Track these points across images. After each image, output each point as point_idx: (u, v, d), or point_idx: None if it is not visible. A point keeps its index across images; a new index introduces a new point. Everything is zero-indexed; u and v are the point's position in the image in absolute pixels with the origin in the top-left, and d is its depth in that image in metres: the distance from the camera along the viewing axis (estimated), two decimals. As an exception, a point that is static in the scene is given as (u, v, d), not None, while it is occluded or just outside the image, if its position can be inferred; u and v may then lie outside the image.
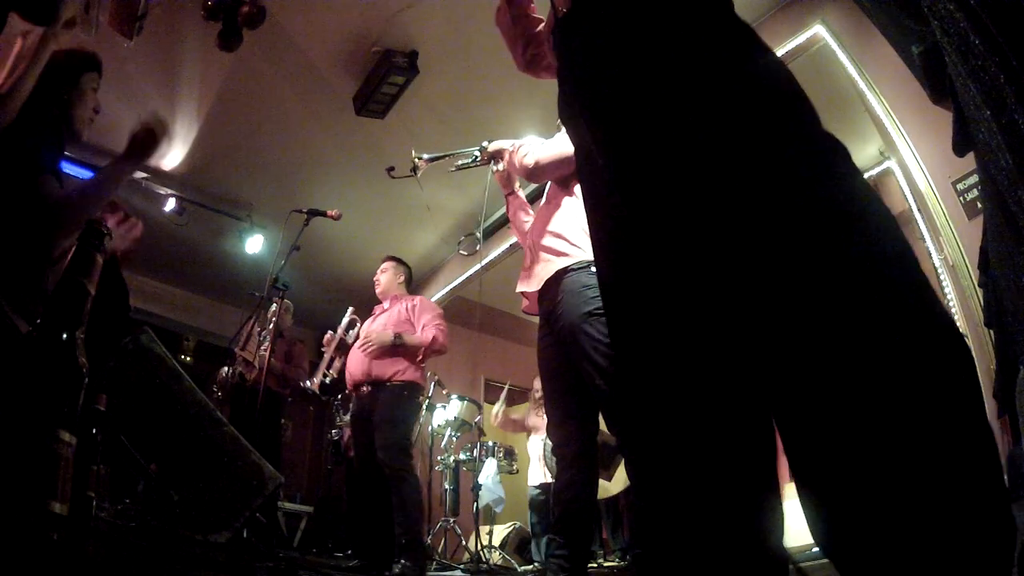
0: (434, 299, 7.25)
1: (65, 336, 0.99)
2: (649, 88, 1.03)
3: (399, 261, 4.59)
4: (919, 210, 3.66)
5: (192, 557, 1.42)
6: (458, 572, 4.67)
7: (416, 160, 3.15)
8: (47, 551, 0.78)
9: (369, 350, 4.03)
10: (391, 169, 3.49)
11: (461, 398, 5.60)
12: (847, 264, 0.87)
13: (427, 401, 5.67)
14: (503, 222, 5.14)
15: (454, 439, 5.71)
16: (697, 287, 1.02)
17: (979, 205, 3.07)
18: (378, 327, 4.21)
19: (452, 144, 3.15)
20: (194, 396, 1.80)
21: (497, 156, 3.02)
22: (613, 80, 1.08)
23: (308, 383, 4.74)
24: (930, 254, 3.78)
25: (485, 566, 4.80)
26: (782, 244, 0.89)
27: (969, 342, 3.49)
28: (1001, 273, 1.78)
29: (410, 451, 4.06)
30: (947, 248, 3.42)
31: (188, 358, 7.93)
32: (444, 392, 5.82)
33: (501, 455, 5.64)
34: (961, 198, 3.27)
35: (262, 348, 4.74)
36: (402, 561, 3.64)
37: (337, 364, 4.72)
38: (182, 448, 1.73)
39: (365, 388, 4.14)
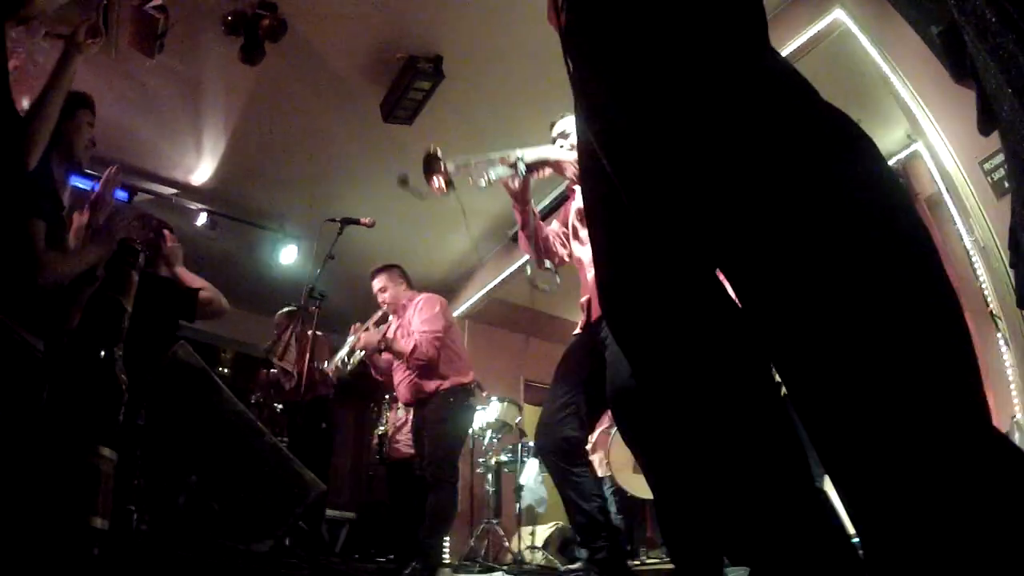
0: (470, 302, 7.27)
1: (103, 353, 1.00)
2: (643, 82, 1.02)
3: (387, 268, 4.53)
4: (948, 192, 3.60)
5: (233, 567, 1.45)
6: (500, 574, 4.68)
7: (442, 175, 3.09)
8: (88, 566, 0.79)
9: (365, 353, 4.20)
10: (405, 182, 3.47)
11: (501, 399, 5.62)
12: (857, 254, 0.85)
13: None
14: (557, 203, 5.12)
15: (495, 441, 5.74)
16: (700, 282, 1.03)
17: (1006, 184, 3.03)
18: (373, 332, 4.29)
19: (483, 147, 3.11)
20: (233, 407, 1.82)
21: (539, 166, 2.85)
22: (609, 74, 1.08)
23: (324, 365, 4.75)
24: (961, 237, 3.72)
25: (528, 567, 4.80)
26: (779, 236, 0.89)
27: (1002, 324, 3.45)
28: None
29: (456, 462, 4.06)
30: (978, 230, 3.36)
31: (226, 370, 8.03)
32: (484, 394, 5.82)
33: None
34: (989, 178, 3.22)
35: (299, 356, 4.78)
36: (414, 564, 3.66)
37: (359, 355, 4.69)
38: (222, 459, 1.76)
39: (415, 405, 4.21)
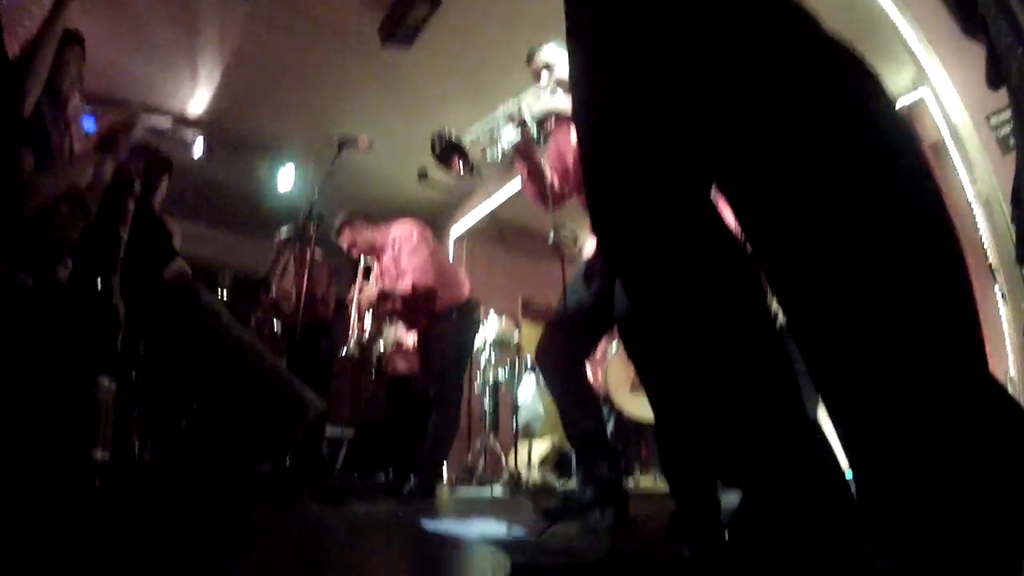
0: (467, 221, 7.22)
1: (100, 282, 0.98)
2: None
3: (346, 222, 4.46)
4: (953, 142, 3.62)
5: (235, 491, 1.46)
6: (497, 490, 4.79)
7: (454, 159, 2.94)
8: (90, 499, 0.79)
9: (365, 312, 4.26)
10: (424, 175, 3.38)
11: (499, 316, 5.62)
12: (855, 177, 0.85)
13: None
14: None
15: (493, 357, 5.76)
16: (696, 203, 1.02)
17: (1011, 141, 3.03)
18: (369, 289, 4.28)
19: (484, 70, 3.02)
20: (233, 330, 1.82)
21: (547, 119, 2.76)
22: None
23: (344, 353, 4.77)
24: (963, 187, 3.73)
25: (524, 484, 4.90)
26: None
27: (1000, 278, 3.48)
28: None
29: (461, 380, 4.14)
30: (980, 182, 3.37)
31: (224, 296, 8.05)
32: (481, 309, 5.85)
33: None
34: (995, 132, 3.23)
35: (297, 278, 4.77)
36: (413, 480, 3.72)
37: (368, 317, 4.75)
38: (223, 383, 1.76)
39: (412, 325, 4.27)
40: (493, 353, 5.69)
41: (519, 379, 5.56)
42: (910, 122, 0.88)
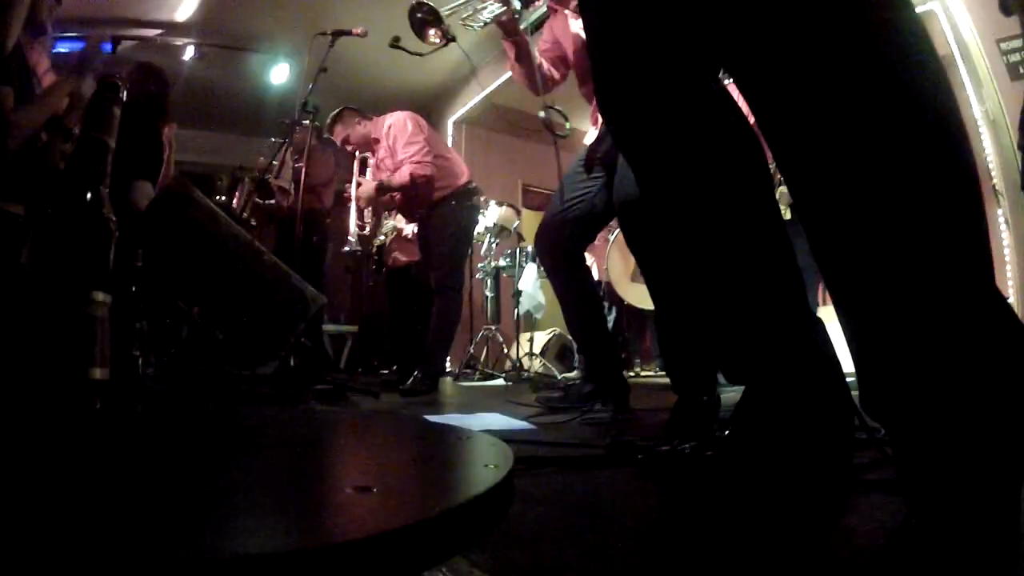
0: (467, 107, 7.07)
1: (89, 194, 0.95)
2: None
3: (337, 117, 4.39)
4: (962, 59, 3.58)
5: (241, 395, 1.48)
6: (500, 380, 4.89)
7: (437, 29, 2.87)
8: (91, 420, 0.78)
9: (364, 207, 4.16)
10: (397, 41, 3.27)
11: (499, 203, 5.55)
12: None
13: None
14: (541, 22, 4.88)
15: (493, 245, 5.75)
16: (705, 87, 0.99)
17: (1021, 70, 3.00)
18: (366, 183, 4.17)
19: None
20: (230, 230, 1.79)
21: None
22: None
23: (347, 248, 4.74)
24: (971, 105, 3.68)
25: (526, 374, 5.00)
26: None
27: (1003, 201, 3.47)
28: None
29: (462, 268, 4.14)
30: (989, 103, 3.32)
31: (223, 197, 8.03)
32: (482, 199, 5.80)
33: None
34: (1004, 58, 3.17)
35: (296, 166, 4.71)
36: (416, 374, 3.74)
37: (369, 211, 4.69)
38: (223, 286, 1.75)
39: (417, 217, 4.19)
40: (493, 242, 5.66)
41: (520, 268, 5.53)
42: (926, 33, 0.84)
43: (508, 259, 5.67)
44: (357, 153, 4.44)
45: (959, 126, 0.82)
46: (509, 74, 6.11)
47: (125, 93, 1.02)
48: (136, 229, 1.60)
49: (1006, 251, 3.83)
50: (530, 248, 5.55)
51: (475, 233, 5.49)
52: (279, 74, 6.02)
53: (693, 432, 1.92)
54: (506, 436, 1.92)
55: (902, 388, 0.79)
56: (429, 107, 7.63)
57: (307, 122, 4.16)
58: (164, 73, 3.02)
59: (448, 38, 2.91)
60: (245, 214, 5.14)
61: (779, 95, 0.87)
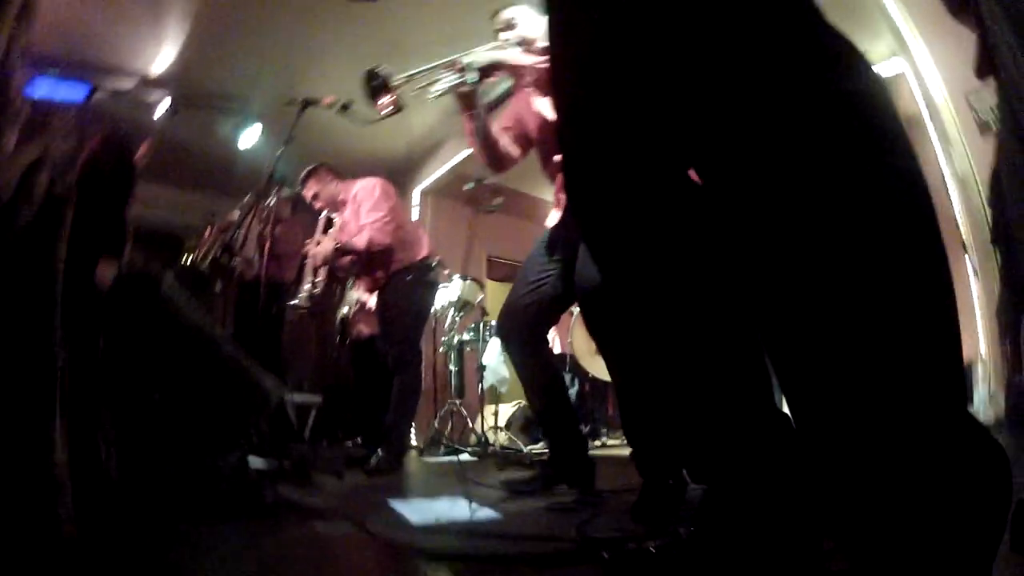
0: (433, 178, 7.12)
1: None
2: None
3: (311, 172, 4.38)
4: (930, 118, 3.64)
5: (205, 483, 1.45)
6: (465, 455, 4.82)
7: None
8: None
9: (319, 266, 4.08)
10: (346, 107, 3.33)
11: (463, 277, 5.54)
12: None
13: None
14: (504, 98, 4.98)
15: (457, 320, 5.71)
16: (676, 184, 0.99)
17: (993, 127, 3.07)
18: (325, 242, 4.15)
19: (453, 26, 2.94)
20: (191, 318, 1.77)
21: (491, 71, 2.63)
22: None
23: (296, 301, 4.68)
24: (939, 163, 3.72)
25: (492, 448, 4.94)
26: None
27: (975, 255, 3.53)
28: (1012, 198, 1.78)
29: (418, 342, 4.08)
30: (957, 160, 3.42)
31: (191, 257, 7.95)
32: (446, 272, 5.77)
33: None
34: (974, 112, 3.24)
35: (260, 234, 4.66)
36: (380, 452, 3.70)
37: (323, 273, 4.64)
38: (183, 374, 1.72)
39: (373, 287, 4.18)
40: (457, 316, 5.65)
41: (484, 342, 5.50)
42: (895, 115, 0.86)
43: (472, 333, 5.64)
44: (324, 212, 4.41)
45: (930, 228, 0.84)
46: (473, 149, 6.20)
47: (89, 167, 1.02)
48: (99, 311, 1.57)
49: (976, 302, 3.89)
50: (494, 322, 5.54)
51: (435, 308, 5.49)
52: (250, 137, 6.06)
53: (659, 518, 1.92)
54: (471, 529, 1.90)
55: (870, 504, 0.79)
56: (397, 175, 7.69)
57: (273, 196, 4.14)
58: (132, 147, 2.97)
59: (398, 108, 2.94)
60: (204, 265, 5.06)
61: (741, 200, 0.89)
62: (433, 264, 4.19)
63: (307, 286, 4.48)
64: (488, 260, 8.08)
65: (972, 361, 3.82)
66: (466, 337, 5.68)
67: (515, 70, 2.66)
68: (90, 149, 2.71)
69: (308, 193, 4.34)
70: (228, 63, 5.58)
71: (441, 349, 5.85)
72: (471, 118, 2.73)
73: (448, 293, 5.51)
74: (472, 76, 2.54)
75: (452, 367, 5.80)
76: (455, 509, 2.27)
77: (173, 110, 5.72)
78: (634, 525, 1.86)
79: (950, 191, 3.72)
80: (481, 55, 2.58)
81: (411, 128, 6.74)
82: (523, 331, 2.72)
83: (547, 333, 2.82)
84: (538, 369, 2.75)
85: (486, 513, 2.20)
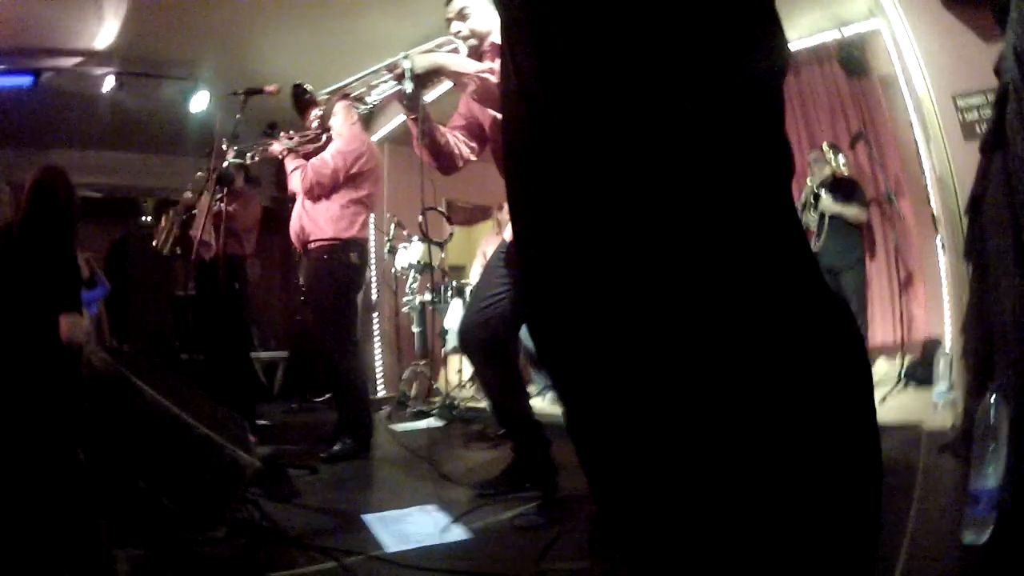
0: (389, 127, 7.02)
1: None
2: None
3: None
4: (903, 78, 3.57)
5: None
6: (432, 419, 4.98)
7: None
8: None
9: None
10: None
11: (422, 239, 5.51)
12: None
13: (388, 244, 5.70)
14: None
15: (417, 281, 5.75)
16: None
17: (978, 129, 3.00)
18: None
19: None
20: (158, 407, 1.83)
21: (431, 78, 2.53)
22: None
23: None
24: (911, 125, 3.73)
25: (457, 411, 5.10)
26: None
27: (943, 229, 3.53)
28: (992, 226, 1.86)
29: (347, 327, 3.92)
30: (937, 162, 3.38)
31: (149, 218, 7.87)
32: (405, 233, 5.80)
33: (466, 295, 5.41)
34: (960, 115, 3.16)
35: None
36: (345, 440, 3.74)
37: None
38: (161, 460, 1.81)
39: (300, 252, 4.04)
40: (416, 276, 5.68)
41: (445, 303, 5.58)
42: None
43: (433, 294, 5.66)
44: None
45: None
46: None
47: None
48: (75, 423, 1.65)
49: (943, 278, 3.99)
50: (454, 283, 5.64)
51: (395, 269, 5.52)
52: (199, 102, 5.98)
53: (615, 547, 2.05)
54: (430, 558, 2.05)
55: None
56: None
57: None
58: (66, 179, 2.92)
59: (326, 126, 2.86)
60: (166, 250, 5.07)
61: None
62: (356, 242, 3.94)
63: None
64: (448, 204, 8.07)
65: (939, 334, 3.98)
66: (427, 298, 5.71)
67: (456, 77, 2.55)
68: (28, 188, 2.71)
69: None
70: (171, 32, 5.40)
71: (404, 309, 5.90)
72: (415, 122, 2.64)
73: (408, 255, 5.55)
74: (409, 85, 2.44)
75: (415, 328, 5.86)
76: (419, 530, 2.41)
77: (119, 84, 5.58)
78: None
79: (921, 156, 3.75)
80: (420, 59, 2.47)
81: (364, 66, 6.62)
82: (483, 346, 2.76)
83: (508, 346, 2.84)
84: (499, 382, 2.83)
85: (454, 533, 2.35)
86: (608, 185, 0.92)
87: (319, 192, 3.80)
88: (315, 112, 2.73)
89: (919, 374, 4.20)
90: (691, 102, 0.87)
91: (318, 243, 3.84)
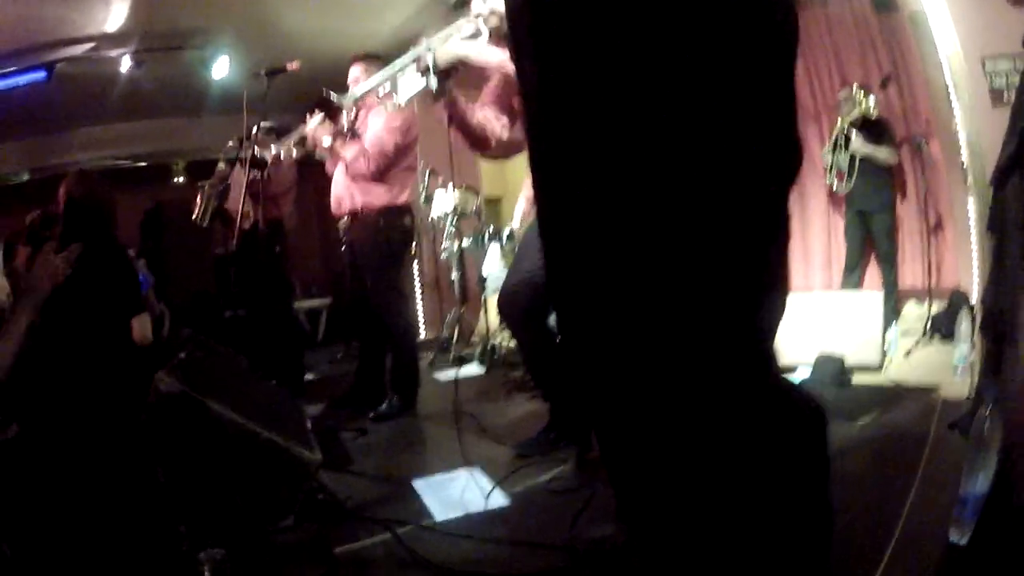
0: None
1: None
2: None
3: (368, 57, 3.92)
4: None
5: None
6: (475, 368, 5.21)
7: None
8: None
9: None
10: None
11: (458, 187, 5.52)
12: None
13: (424, 193, 5.77)
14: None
15: (454, 228, 5.73)
16: None
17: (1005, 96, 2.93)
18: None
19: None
20: (226, 418, 2.05)
21: (455, 70, 2.55)
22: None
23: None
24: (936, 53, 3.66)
25: (497, 355, 5.32)
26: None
27: (970, 179, 3.49)
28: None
29: (400, 287, 4.11)
30: (955, 57, 3.31)
31: (181, 179, 8.01)
32: (440, 179, 5.82)
33: (505, 239, 5.55)
34: (988, 79, 3.14)
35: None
36: (392, 398, 3.95)
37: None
38: (232, 466, 2.05)
39: (347, 223, 4.06)
40: (454, 223, 5.70)
41: (483, 250, 5.68)
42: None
43: (472, 240, 5.72)
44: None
45: None
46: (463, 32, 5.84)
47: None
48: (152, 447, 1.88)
49: (972, 228, 4.03)
50: (492, 228, 5.71)
51: (433, 217, 5.62)
52: (220, 69, 6.06)
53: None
54: (474, 525, 2.30)
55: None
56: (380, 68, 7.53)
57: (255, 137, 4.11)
58: (98, 183, 3.05)
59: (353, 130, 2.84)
60: (205, 222, 5.23)
61: None
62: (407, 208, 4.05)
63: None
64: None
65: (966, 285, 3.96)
66: (466, 244, 5.76)
67: (480, 68, 2.60)
68: (63, 202, 2.83)
69: (354, 75, 3.89)
70: (183, 2, 5.42)
71: (443, 256, 6.00)
72: (446, 106, 2.66)
73: (444, 202, 5.60)
74: (433, 80, 2.49)
75: (454, 274, 5.98)
76: (460, 496, 2.67)
77: (136, 63, 5.72)
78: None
79: (952, 101, 3.76)
80: (442, 52, 2.49)
81: (392, 27, 6.56)
82: (520, 314, 2.92)
83: (544, 314, 2.92)
84: (538, 343, 2.96)
85: (493, 500, 2.60)
86: (606, 194, 0.92)
87: (384, 172, 3.85)
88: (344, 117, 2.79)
89: (944, 327, 4.24)
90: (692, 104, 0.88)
91: (371, 210, 3.90)
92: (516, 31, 1.08)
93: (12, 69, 5.08)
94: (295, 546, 2.13)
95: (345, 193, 3.95)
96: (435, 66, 2.47)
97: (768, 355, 0.97)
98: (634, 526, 1.09)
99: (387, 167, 3.84)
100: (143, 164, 7.92)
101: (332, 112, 2.77)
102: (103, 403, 2.10)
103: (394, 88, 2.67)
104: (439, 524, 2.41)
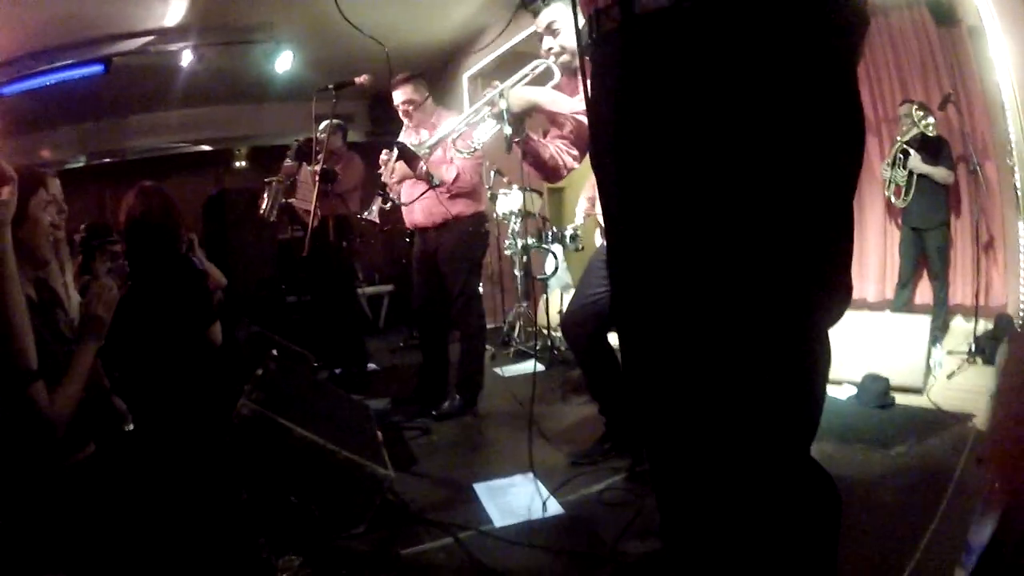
0: (480, 64, 7.06)
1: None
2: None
3: (412, 78, 4.06)
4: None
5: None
6: (532, 361, 5.33)
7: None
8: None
9: (394, 179, 3.78)
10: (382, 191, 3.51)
11: (522, 189, 5.43)
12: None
13: (489, 192, 5.86)
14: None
15: (516, 227, 5.87)
16: None
17: None
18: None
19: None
20: (304, 438, 2.25)
21: (526, 116, 2.62)
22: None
23: (367, 214, 4.82)
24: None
25: (557, 353, 5.46)
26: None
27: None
28: None
29: (477, 291, 4.28)
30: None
31: (243, 164, 8.33)
32: (505, 180, 5.92)
33: (567, 239, 5.61)
34: None
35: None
36: (455, 397, 4.12)
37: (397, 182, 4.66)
38: (311, 482, 2.25)
39: (431, 232, 4.11)
40: (517, 222, 5.82)
41: (546, 251, 5.78)
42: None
43: (535, 239, 5.77)
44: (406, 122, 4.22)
45: None
46: (526, 27, 5.82)
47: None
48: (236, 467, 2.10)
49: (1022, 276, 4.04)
50: (555, 229, 5.78)
51: (498, 214, 5.73)
52: (283, 62, 6.20)
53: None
54: (531, 533, 2.48)
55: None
56: (441, 65, 7.65)
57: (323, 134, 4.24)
58: (160, 198, 3.02)
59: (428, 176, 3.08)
60: (272, 217, 5.40)
61: None
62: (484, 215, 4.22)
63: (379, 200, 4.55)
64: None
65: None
66: (530, 241, 5.81)
67: (552, 116, 2.72)
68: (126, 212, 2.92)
69: (401, 97, 4.08)
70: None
71: (507, 252, 6.11)
72: (518, 144, 2.72)
73: (510, 202, 5.71)
74: (507, 128, 2.56)
75: (517, 272, 6.11)
76: (517, 503, 2.82)
77: (198, 56, 5.89)
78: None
79: (1005, 109, 3.75)
80: (515, 99, 2.57)
81: (451, 16, 6.66)
82: (583, 337, 3.04)
83: (606, 337, 3.04)
84: (599, 364, 3.09)
85: (550, 508, 2.76)
86: (675, 224, 0.96)
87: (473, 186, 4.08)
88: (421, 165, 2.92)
89: (988, 350, 4.26)
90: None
91: (463, 219, 4.03)
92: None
93: (70, 62, 5.23)
94: (366, 554, 2.34)
95: (434, 206, 4.01)
96: (509, 112, 2.54)
97: (815, 425, 1.01)
98: (671, 546, 1.15)
99: (474, 185, 4.08)
100: (206, 149, 8.08)
101: (408, 159, 2.88)
102: (193, 416, 2.30)
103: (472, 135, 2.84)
104: (498, 530, 2.58)
